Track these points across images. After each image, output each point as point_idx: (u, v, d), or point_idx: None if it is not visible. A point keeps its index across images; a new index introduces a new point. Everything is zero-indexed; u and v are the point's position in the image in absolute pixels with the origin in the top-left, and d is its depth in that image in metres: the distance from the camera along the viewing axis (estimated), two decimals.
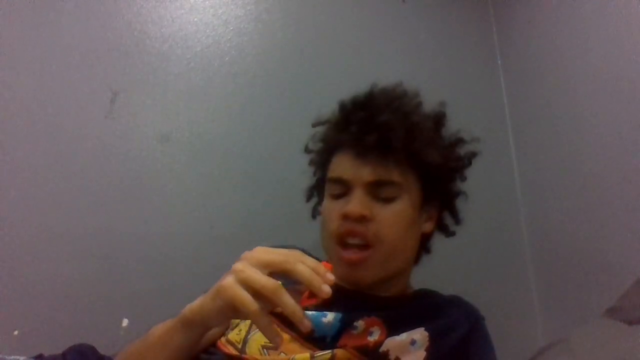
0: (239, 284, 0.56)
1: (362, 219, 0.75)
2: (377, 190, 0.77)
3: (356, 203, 0.75)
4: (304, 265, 0.57)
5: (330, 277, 0.58)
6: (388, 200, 0.77)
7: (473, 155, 0.88)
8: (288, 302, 0.55)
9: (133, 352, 0.70)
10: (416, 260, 0.90)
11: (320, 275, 0.57)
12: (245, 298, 0.55)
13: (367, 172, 0.77)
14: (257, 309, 0.54)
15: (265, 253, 0.59)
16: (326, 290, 0.56)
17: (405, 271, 0.85)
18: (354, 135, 0.80)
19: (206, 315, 0.60)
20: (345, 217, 0.76)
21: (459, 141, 0.87)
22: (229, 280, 0.57)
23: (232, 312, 0.57)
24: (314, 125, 0.91)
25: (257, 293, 0.55)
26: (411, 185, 0.79)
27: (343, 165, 0.80)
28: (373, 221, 0.75)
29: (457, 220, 0.90)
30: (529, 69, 1.73)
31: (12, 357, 0.74)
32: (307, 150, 0.94)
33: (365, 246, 0.76)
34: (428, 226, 0.85)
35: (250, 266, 0.57)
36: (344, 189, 0.79)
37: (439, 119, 0.86)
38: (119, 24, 1.35)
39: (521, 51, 1.77)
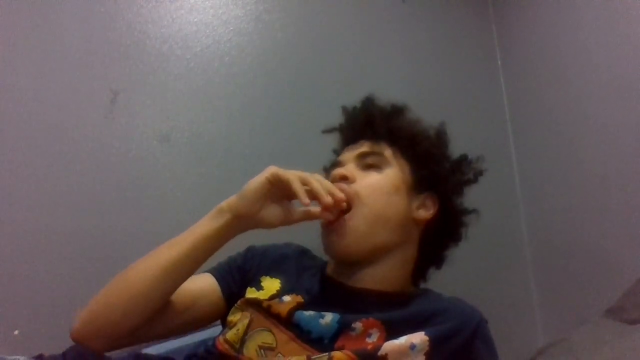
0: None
1: (344, 179, 0.80)
2: (365, 159, 0.84)
3: (341, 168, 0.83)
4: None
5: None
6: (373, 167, 0.83)
7: (477, 161, 0.89)
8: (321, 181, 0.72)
9: (152, 251, 0.76)
10: (421, 268, 0.88)
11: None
12: (288, 171, 0.71)
13: (357, 149, 0.85)
14: (297, 177, 0.70)
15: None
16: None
17: (393, 253, 0.82)
18: (349, 125, 0.91)
19: (247, 192, 0.72)
20: (332, 181, 0.81)
21: (462, 156, 0.90)
22: (271, 166, 0.72)
23: (274, 183, 0.71)
24: (324, 132, 0.96)
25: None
26: (399, 163, 0.84)
27: (341, 154, 0.89)
28: (355, 183, 0.80)
29: (458, 223, 0.89)
30: (529, 69, 1.73)
31: (12, 357, 0.74)
32: (325, 169, 0.96)
33: (347, 209, 0.78)
34: (421, 213, 0.85)
35: None
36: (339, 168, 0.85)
37: (438, 132, 0.91)
38: (119, 24, 1.35)
39: (521, 51, 1.77)
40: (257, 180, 0.72)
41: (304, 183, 0.71)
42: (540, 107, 1.67)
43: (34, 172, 1.19)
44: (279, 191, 0.73)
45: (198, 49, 1.42)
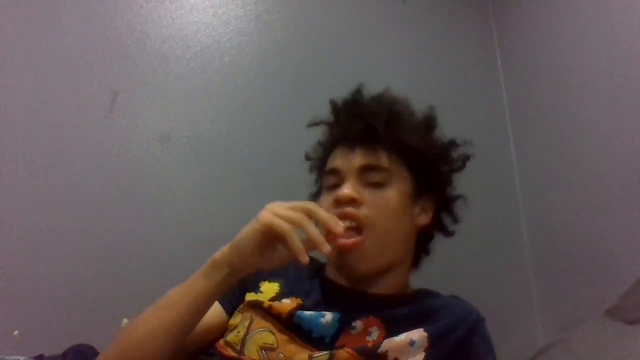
0: (274, 214, 0.66)
1: (352, 202, 0.77)
2: (367, 176, 0.80)
3: (346, 188, 0.78)
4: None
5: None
6: (378, 185, 0.79)
7: (466, 147, 0.90)
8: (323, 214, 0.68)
9: (151, 308, 0.71)
10: (416, 262, 0.89)
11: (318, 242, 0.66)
12: (281, 221, 0.65)
13: (356, 159, 0.81)
14: (291, 228, 0.64)
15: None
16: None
17: (400, 264, 0.84)
18: (343, 126, 0.86)
19: (241, 246, 0.67)
20: (337, 202, 0.78)
21: (450, 142, 0.90)
22: (265, 212, 0.67)
23: (268, 234, 0.65)
24: (309, 126, 0.93)
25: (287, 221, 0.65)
26: (401, 174, 0.82)
27: (336, 158, 0.84)
28: (364, 205, 0.77)
29: (455, 219, 0.90)
30: (529, 69, 1.72)
31: (12, 357, 0.75)
32: (307, 157, 0.95)
33: (357, 230, 0.76)
34: (422, 219, 0.85)
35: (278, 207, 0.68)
36: (337, 179, 0.82)
37: (428, 120, 0.89)
38: (119, 24, 1.35)
39: (521, 51, 1.77)
40: (250, 233, 0.67)
41: (299, 226, 0.66)
42: (540, 107, 1.67)
43: (34, 172, 1.19)
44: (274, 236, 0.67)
45: (198, 49, 1.42)
